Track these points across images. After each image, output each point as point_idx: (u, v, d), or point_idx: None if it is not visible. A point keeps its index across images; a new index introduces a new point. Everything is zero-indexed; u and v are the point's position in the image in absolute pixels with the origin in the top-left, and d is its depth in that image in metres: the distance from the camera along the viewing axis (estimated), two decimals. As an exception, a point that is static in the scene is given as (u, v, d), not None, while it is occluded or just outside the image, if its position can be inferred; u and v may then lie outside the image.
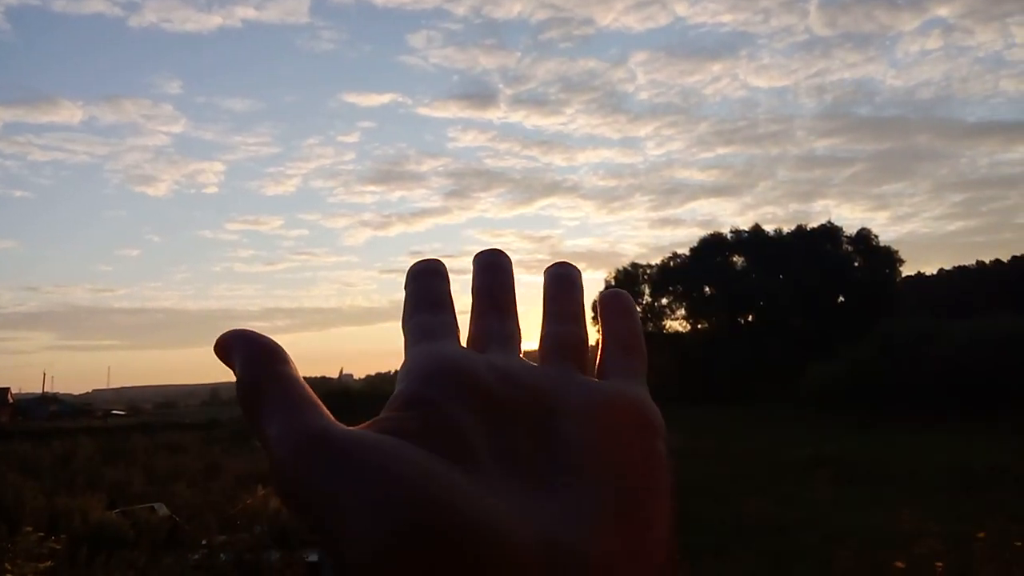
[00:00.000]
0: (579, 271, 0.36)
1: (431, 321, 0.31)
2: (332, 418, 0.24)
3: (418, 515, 0.20)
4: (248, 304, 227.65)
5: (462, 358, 0.28)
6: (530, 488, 0.24)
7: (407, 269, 0.34)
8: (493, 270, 0.35)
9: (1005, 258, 50.20)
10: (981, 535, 6.62)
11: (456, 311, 0.33)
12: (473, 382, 0.27)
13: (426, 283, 0.33)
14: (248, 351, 0.26)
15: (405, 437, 0.24)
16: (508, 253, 0.37)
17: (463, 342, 0.31)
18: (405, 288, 0.34)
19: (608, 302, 0.35)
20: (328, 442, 0.22)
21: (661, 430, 0.29)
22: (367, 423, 0.25)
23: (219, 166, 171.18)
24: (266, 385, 0.25)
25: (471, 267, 0.36)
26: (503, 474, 0.24)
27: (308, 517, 0.22)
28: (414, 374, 0.27)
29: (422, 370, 0.27)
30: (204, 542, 8.23)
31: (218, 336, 0.27)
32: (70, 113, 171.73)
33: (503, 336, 0.32)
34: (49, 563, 6.16)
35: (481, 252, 0.36)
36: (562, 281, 0.35)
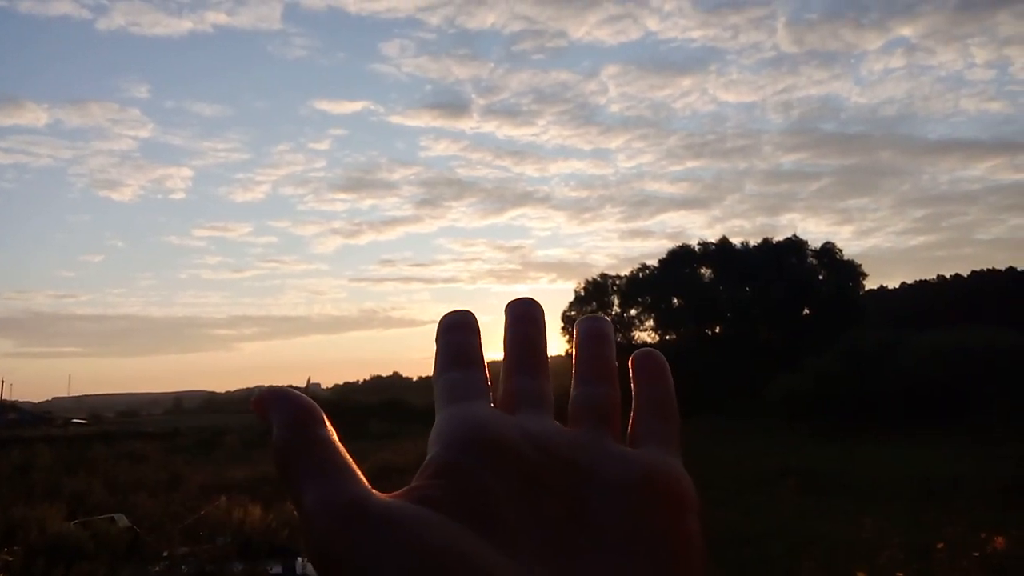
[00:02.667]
0: (611, 326, 0.35)
1: (462, 379, 0.30)
2: (368, 485, 0.24)
3: None
4: (215, 312, 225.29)
5: (494, 422, 0.28)
6: (561, 563, 0.24)
7: (439, 321, 0.33)
8: (526, 323, 0.34)
9: (965, 272, 51.39)
10: (941, 545, 6.73)
11: (487, 365, 0.32)
12: (505, 448, 0.27)
13: (457, 338, 0.32)
14: (287, 411, 0.25)
15: (438, 507, 0.24)
16: (539, 302, 0.35)
17: (495, 397, 0.31)
18: (436, 341, 0.32)
19: (642, 363, 0.34)
20: (365, 512, 0.23)
21: (695, 506, 0.28)
22: (402, 491, 0.25)
23: (187, 171, 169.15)
24: (304, 448, 0.24)
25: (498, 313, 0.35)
26: (534, 548, 0.24)
27: None
28: (446, 439, 0.27)
29: (454, 435, 0.27)
30: (165, 553, 8.10)
31: (256, 392, 0.27)
32: (35, 115, 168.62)
33: (535, 396, 0.31)
34: (2, 575, 6.01)
35: (514, 301, 0.35)
36: (595, 338, 0.34)
